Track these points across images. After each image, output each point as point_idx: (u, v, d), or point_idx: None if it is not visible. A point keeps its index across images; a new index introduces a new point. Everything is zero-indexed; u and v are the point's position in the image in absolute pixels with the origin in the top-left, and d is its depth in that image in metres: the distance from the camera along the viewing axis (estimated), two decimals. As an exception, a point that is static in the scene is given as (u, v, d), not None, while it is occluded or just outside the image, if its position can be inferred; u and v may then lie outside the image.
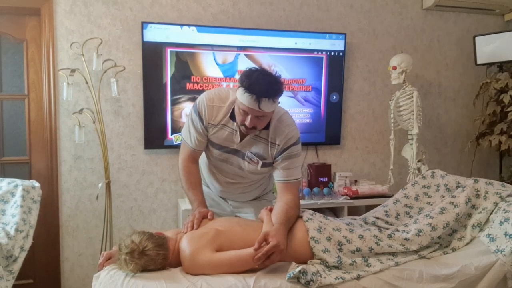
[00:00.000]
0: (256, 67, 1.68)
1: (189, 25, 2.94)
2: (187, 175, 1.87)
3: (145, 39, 2.86)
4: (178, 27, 2.92)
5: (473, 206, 1.81)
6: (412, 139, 3.05)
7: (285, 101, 3.12)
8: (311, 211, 1.78)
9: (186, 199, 2.19)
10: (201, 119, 1.78)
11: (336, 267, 1.56)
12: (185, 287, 1.41)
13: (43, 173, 2.90)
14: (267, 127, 1.75)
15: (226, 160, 1.84)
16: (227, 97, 1.77)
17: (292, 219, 1.67)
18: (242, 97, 1.59)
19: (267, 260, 1.46)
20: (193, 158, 1.90)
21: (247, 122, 1.63)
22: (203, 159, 1.99)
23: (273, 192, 2.18)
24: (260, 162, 1.78)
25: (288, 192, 1.75)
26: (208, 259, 1.49)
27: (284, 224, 1.60)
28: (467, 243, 1.74)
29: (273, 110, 1.68)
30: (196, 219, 1.66)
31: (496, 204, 1.78)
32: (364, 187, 3.13)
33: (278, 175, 1.79)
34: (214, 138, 1.80)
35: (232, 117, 1.74)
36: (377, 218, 1.87)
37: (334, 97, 3.28)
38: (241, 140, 1.77)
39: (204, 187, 2.04)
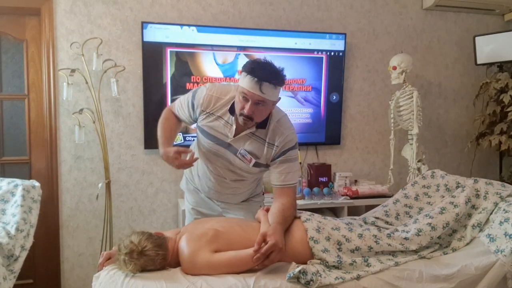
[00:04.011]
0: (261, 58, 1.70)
1: (189, 25, 2.94)
2: (164, 120, 1.90)
3: (145, 39, 2.86)
4: (178, 27, 2.92)
5: (473, 206, 1.81)
6: (412, 139, 3.05)
7: (285, 101, 3.12)
8: (309, 212, 1.78)
9: (187, 199, 2.19)
10: (192, 104, 1.80)
11: (336, 267, 1.56)
12: (185, 287, 1.41)
13: (43, 173, 2.90)
14: (264, 127, 1.74)
15: (217, 153, 1.83)
16: (228, 92, 1.78)
17: (288, 219, 1.67)
18: (243, 81, 1.60)
19: (267, 260, 1.47)
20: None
21: (246, 110, 1.62)
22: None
23: (263, 193, 2.17)
24: (253, 161, 1.78)
25: (284, 195, 1.75)
26: (207, 260, 1.49)
27: (281, 223, 1.60)
28: (467, 243, 1.74)
29: (273, 102, 1.68)
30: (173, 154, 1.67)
31: (496, 204, 1.79)
32: (364, 187, 3.13)
33: (275, 179, 1.79)
34: (207, 128, 1.80)
35: (231, 111, 1.74)
36: (377, 218, 1.88)
37: (334, 97, 3.28)
38: (235, 135, 1.76)
39: (193, 188, 2.05)
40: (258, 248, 1.46)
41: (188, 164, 1.70)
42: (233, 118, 1.74)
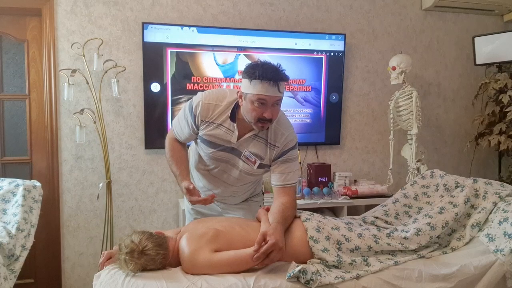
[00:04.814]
0: (255, 61, 1.70)
1: (189, 26, 2.95)
2: (171, 152, 1.87)
3: (145, 40, 2.87)
4: (179, 27, 2.93)
5: (472, 206, 1.82)
6: (412, 139, 3.06)
7: (285, 101, 3.08)
8: (309, 212, 1.79)
9: (186, 198, 2.19)
10: (193, 117, 1.76)
11: (336, 267, 1.57)
12: (186, 286, 1.41)
13: (44, 173, 2.91)
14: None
15: (220, 159, 1.82)
16: (225, 97, 1.76)
17: (289, 219, 1.68)
18: (257, 88, 1.59)
19: (267, 259, 1.47)
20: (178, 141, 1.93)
21: (266, 114, 1.61)
22: (192, 158, 1.99)
23: (263, 193, 2.18)
24: (258, 162, 1.77)
25: (285, 194, 1.75)
26: (207, 259, 1.50)
27: (281, 223, 1.60)
28: (467, 243, 1.75)
29: None
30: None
31: (495, 204, 1.79)
32: (363, 187, 3.14)
33: (275, 179, 1.79)
34: (208, 136, 1.78)
35: (232, 118, 1.73)
36: (377, 217, 1.89)
37: (334, 97, 3.29)
38: (238, 139, 1.75)
39: None
40: (258, 248, 1.46)
41: (202, 202, 1.72)
42: (234, 125, 1.73)
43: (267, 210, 1.73)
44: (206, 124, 1.76)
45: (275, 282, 1.46)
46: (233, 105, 1.73)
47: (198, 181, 2.01)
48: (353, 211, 3.05)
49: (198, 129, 1.79)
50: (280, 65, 1.64)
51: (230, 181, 1.88)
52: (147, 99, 2.94)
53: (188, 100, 2.95)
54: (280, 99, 1.65)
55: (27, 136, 2.91)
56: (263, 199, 2.16)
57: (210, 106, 1.75)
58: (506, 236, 1.63)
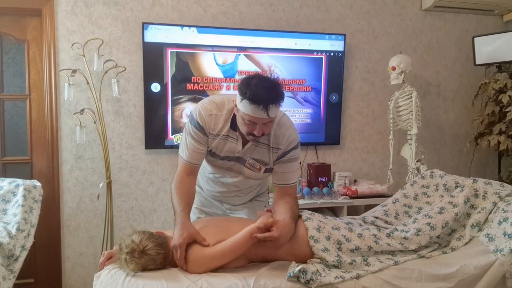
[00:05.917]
0: (252, 74, 1.65)
1: (189, 26, 2.95)
2: (178, 184, 1.71)
3: (146, 40, 2.87)
4: (179, 28, 2.93)
5: (472, 206, 1.82)
6: (411, 139, 3.07)
7: (285, 102, 3.09)
8: (310, 212, 1.79)
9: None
10: (201, 129, 1.71)
11: (336, 266, 1.57)
12: (186, 286, 1.42)
13: (44, 173, 2.91)
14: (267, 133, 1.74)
15: (226, 167, 1.82)
16: (223, 105, 1.72)
17: (295, 217, 1.68)
18: (247, 109, 1.55)
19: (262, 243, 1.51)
20: (190, 172, 1.77)
21: (256, 132, 1.59)
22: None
23: (268, 192, 2.18)
24: (263, 168, 1.77)
25: (287, 194, 1.76)
26: (209, 253, 1.51)
27: (293, 219, 1.62)
28: (466, 243, 1.75)
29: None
30: (180, 246, 1.52)
31: (495, 204, 1.79)
32: (363, 187, 3.14)
33: (276, 179, 1.79)
34: (216, 149, 1.76)
35: (232, 126, 1.71)
36: (376, 217, 1.89)
37: (334, 98, 3.30)
38: (243, 147, 1.74)
39: (197, 188, 1.99)
40: (263, 226, 1.49)
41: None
42: (236, 133, 1.71)
43: (269, 212, 1.73)
44: (212, 137, 1.74)
45: (275, 282, 1.46)
46: (232, 114, 1.70)
47: (204, 183, 2.01)
48: (353, 211, 3.05)
49: (208, 138, 1.74)
50: (278, 80, 1.60)
51: (236, 184, 1.89)
52: (147, 99, 2.94)
53: (188, 100, 2.99)
54: (271, 120, 1.61)
55: (28, 136, 2.92)
56: (269, 198, 2.17)
57: (212, 117, 1.71)
58: (506, 236, 1.63)
